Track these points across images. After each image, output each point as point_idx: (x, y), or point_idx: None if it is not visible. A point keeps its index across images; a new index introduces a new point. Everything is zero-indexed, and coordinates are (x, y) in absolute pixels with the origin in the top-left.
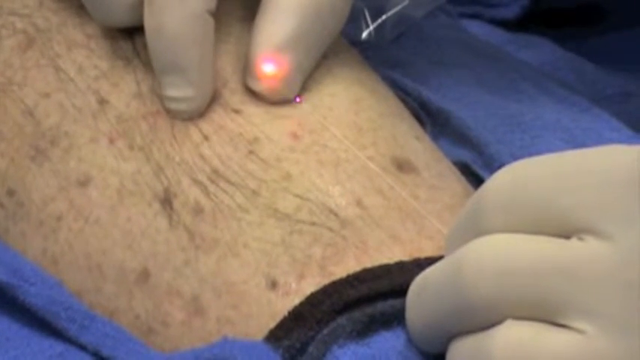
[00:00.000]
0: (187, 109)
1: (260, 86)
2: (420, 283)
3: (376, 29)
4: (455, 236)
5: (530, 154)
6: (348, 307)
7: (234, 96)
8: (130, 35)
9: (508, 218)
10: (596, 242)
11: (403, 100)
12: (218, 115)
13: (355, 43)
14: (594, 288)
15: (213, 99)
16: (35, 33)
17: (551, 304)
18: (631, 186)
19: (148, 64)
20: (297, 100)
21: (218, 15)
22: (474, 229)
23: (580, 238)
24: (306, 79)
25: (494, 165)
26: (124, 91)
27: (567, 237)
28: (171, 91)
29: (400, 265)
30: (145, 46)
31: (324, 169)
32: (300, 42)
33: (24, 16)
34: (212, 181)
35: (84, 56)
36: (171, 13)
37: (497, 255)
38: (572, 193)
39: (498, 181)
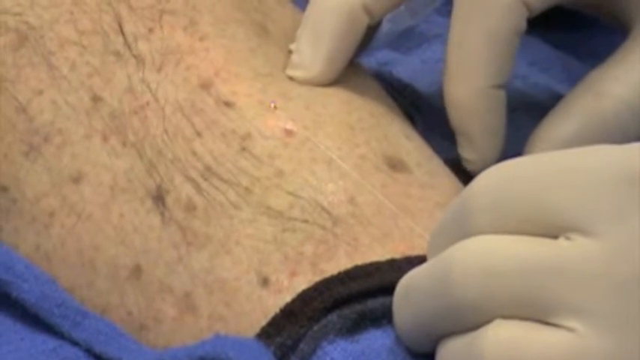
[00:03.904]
0: (470, 168)
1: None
2: (406, 284)
3: None
4: (439, 237)
5: (523, 151)
6: (338, 304)
7: (225, 85)
8: (120, 28)
9: (495, 219)
10: (584, 240)
11: (394, 99)
12: (210, 109)
13: None
14: (584, 286)
15: (204, 89)
16: (27, 31)
17: (541, 303)
18: (618, 184)
19: (138, 56)
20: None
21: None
22: (461, 230)
23: (567, 238)
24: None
25: None
26: (116, 87)
27: (554, 237)
28: (460, 150)
29: (391, 263)
30: (135, 38)
31: (317, 167)
32: None
33: (16, 15)
34: (204, 178)
35: (76, 53)
36: (458, 85)
37: (485, 256)
38: (559, 193)
39: (484, 182)
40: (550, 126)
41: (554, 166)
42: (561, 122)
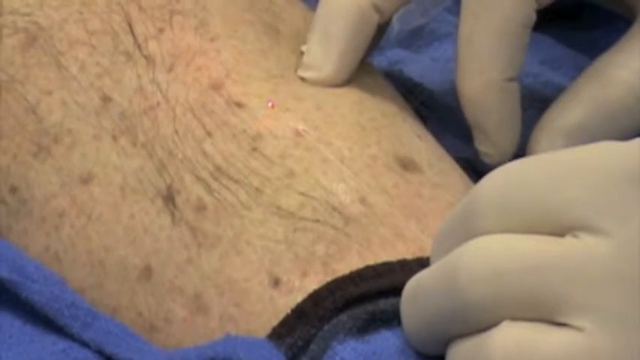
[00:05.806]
0: (487, 161)
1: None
2: (413, 287)
3: None
4: (444, 238)
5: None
6: (350, 304)
7: (236, 86)
8: (130, 28)
9: (502, 218)
10: (592, 239)
11: (405, 98)
12: (221, 109)
13: None
14: (592, 284)
15: (215, 90)
16: (37, 31)
17: (549, 302)
18: (626, 182)
19: (149, 57)
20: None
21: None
22: (467, 230)
23: (575, 236)
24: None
25: None
26: (126, 87)
27: (561, 235)
28: (477, 144)
29: (402, 263)
30: (145, 38)
31: (329, 167)
32: None
33: (25, 15)
34: (215, 179)
35: (86, 53)
36: (470, 80)
37: (492, 256)
38: (566, 191)
39: (491, 182)
40: (557, 114)
41: (560, 165)
42: (568, 110)
